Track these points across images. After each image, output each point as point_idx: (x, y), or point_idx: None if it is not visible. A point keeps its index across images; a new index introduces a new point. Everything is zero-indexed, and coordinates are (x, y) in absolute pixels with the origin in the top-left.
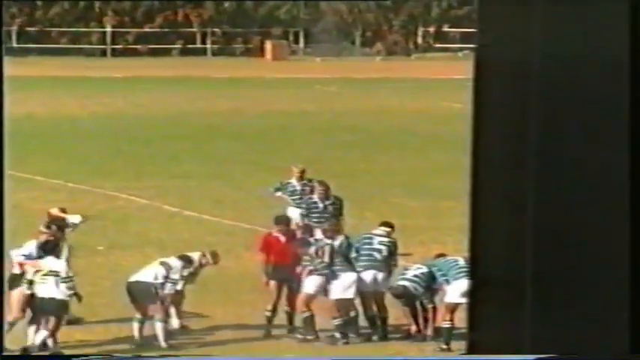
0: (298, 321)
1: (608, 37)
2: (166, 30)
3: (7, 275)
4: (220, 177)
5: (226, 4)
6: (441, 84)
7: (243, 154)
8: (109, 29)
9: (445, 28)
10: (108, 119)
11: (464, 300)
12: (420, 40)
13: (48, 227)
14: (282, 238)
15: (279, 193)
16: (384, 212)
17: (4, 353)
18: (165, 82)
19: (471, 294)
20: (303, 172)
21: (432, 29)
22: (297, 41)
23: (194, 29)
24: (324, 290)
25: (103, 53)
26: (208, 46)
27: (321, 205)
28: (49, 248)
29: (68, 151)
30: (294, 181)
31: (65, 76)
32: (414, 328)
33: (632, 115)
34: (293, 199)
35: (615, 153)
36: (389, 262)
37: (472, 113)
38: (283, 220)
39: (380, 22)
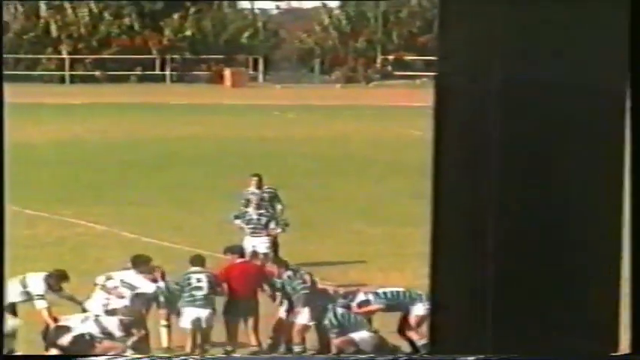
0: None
1: (570, 63)
2: (125, 57)
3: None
4: (180, 203)
5: (187, 32)
6: (399, 111)
7: (203, 180)
8: (66, 56)
9: (404, 56)
10: (66, 146)
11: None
12: (379, 67)
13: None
14: (243, 270)
15: (238, 221)
16: (345, 239)
17: (4, 353)
18: (124, 109)
19: (433, 317)
20: (260, 182)
21: (391, 57)
22: (256, 68)
23: (153, 56)
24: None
25: (62, 80)
26: (167, 72)
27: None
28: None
29: (26, 177)
30: (250, 210)
31: (23, 103)
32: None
33: (597, 140)
34: (249, 228)
35: (578, 177)
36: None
37: (433, 141)
38: (236, 250)
39: (339, 50)
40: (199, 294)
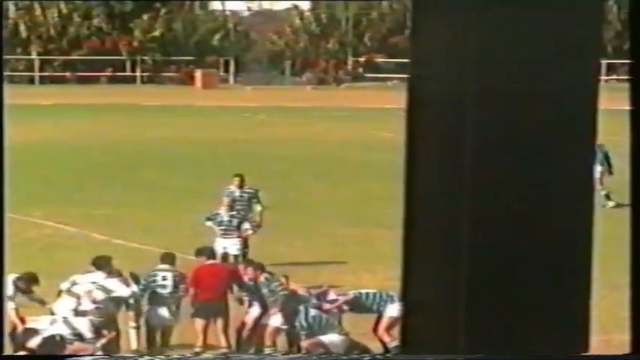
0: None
1: (545, 67)
2: (96, 57)
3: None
4: (150, 205)
5: (156, 32)
6: (371, 113)
7: (173, 181)
8: (36, 57)
9: (375, 58)
10: (36, 147)
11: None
12: (350, 69)
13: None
14: (214, 272)
15: (209, 223)
16: (315, 241)
17: (4, 353)
18: (95, 110)
19: (404, 319)
20: (242, 182)
21: (362, 59)
22: (227, 70)
23: (124, 57)
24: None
25: (31, 81)
26: (138, 74)
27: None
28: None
29: None
30: (222, 211)
31: None
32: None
33: (571, 144)
34: (220, 230)
35: (552, 181)
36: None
37: (406, 143)
38: (206, 252)
39: (310, 52)
40: (163, 292)
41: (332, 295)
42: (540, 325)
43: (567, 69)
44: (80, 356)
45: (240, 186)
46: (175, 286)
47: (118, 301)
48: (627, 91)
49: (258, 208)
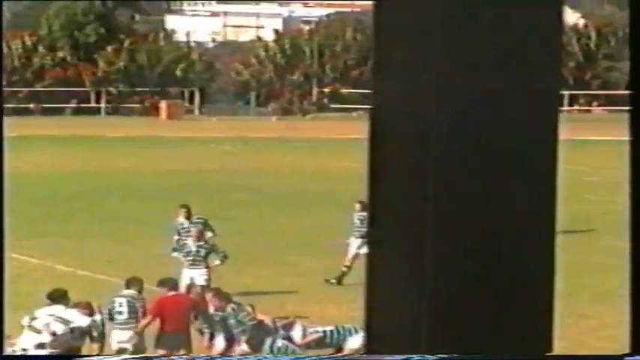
0: None
1: (505, 95)
2: (60, 89)
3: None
4: (115, 236)
5: (120, 63)
6: (335, 144)
7: (139, 213)
8: None
9: (340, 89)
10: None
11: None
12: (315, 99)
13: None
14: (178, 303)
15: (175, 254)
16: (280, 271)
17: (4, 353)
18: (59, 141)
19: (368, 346)
20: (188, 213)
21: (327, 89)
22: (192, 100)
23: (88, 88)
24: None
25: None
26: (102, 105)
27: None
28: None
29: None
30: (189, 242)
31: None
32: None
33: (535, 170)
34: (187, 260)
35: (517, 209)
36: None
37: (368, 173)
38: (168, 283)
39: (275, 83)
40: (120, 318)
41: (298, 327)
42: (506, 347)
43: (530, 94)
44: (81, 356)
45: (188, 217)
46: (130, 312)
47: (80, 332)
48: (598, 122)
49: (208, 234)
